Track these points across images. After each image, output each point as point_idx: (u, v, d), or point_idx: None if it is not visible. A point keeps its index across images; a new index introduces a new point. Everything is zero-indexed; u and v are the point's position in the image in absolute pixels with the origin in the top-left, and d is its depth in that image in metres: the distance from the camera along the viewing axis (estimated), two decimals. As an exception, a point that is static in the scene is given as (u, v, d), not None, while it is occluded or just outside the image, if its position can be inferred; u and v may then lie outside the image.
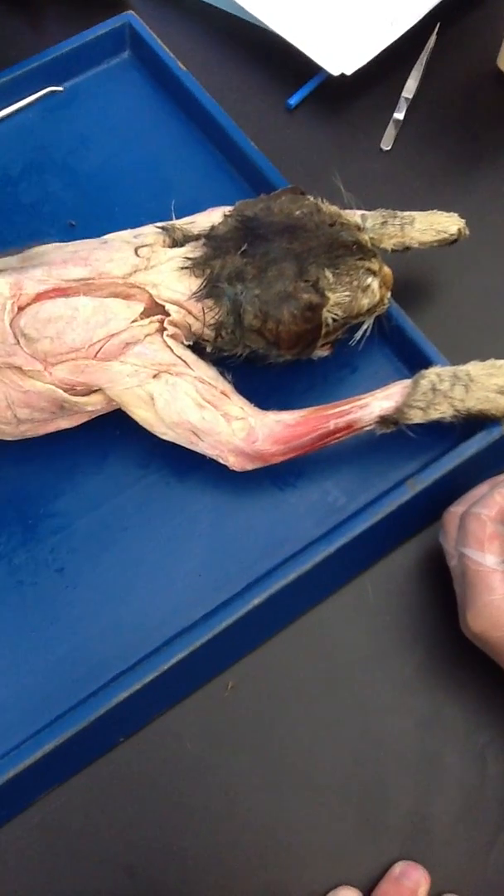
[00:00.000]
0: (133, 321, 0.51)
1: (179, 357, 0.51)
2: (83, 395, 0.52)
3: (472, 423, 0.53)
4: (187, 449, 0.53)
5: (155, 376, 0.51)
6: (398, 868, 0.46)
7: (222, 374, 0.53)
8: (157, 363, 0.51)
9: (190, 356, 0.52)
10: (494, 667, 0.48)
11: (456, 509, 0.49)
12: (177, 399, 0.51)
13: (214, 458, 0.53)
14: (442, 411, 0.51)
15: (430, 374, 0.52)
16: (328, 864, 0.47)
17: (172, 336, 0.51)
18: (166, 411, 0.51)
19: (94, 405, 0.53)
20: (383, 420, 0.52)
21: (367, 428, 0.52)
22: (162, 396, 0.51)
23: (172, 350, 0.51)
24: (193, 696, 0.50)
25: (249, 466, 0.53)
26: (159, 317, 0.51)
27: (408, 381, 0.52)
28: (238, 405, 0.52)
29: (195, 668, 0.49)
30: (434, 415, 0.51)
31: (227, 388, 0.52)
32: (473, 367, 0.52)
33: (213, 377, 0.52)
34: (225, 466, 0.53)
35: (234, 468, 0.52)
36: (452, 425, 0.53)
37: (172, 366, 0.51)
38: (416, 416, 0.51)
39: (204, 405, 0.51)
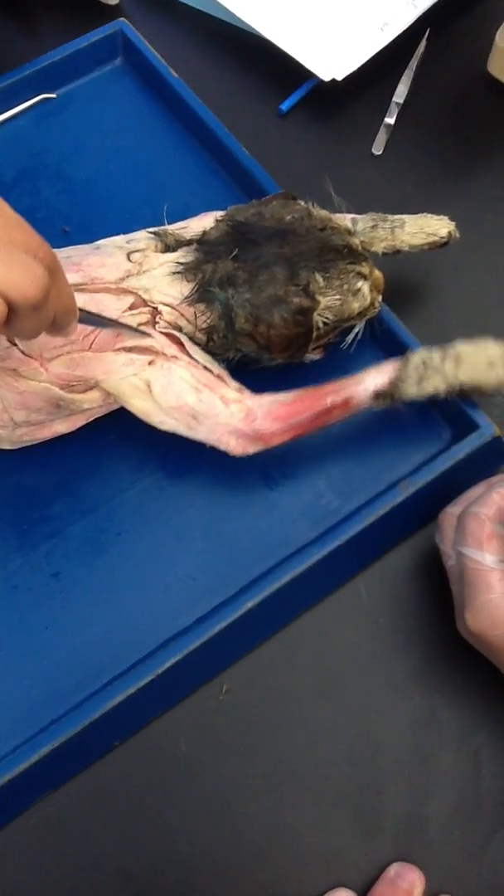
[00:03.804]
0: (124, 311, 0.51)
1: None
2: (80, 392, 0.52)
3: (466, 419, 0.53)
4: (181, 452, 0.53)
5: (150, 363, 0.51)
6: (393, 869, 0.46)
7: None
8: (151, 350, 0.51)
9: (185, 339, 0.52)
10: (489, 668, 0.48)
11: (452, 510, 0.49)
12: (173, 383, 0.51)
13: (214, 444, 0.52)
14: (435, 384, 0.51)
15: (421, 351, 0.52)
16: (324, 867, 0.47)
17: (166, 325, 0.52)
18: (163, 396, 0.51)
19: (90, 403, 0.53)
20: (378, 395, 0.52)
21: (365, 405, 0.52)
22: (158, 382, 0.51)
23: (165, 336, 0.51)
24: (188, 699, 0.50)
25: (251, 449, 0.52)
26: (150, 308, 0.52)
27: (399, 358, 0.52)
28: (234, 388, 0.52)
29: (190, 671, 0.49)
30: (428, 388, 0.51)
31: (223, 372, 0.52)
32: (461, 345, 0.52)
33: (209, 360, 0.52)
34: (219, 470, 0.53)
35: (235, 452, 0.52)
36: (445, 427, 0.53)
37: (167, 347, 0.51)
38: (411, 390, 0.51)
39: (200, 388, 0.51)
